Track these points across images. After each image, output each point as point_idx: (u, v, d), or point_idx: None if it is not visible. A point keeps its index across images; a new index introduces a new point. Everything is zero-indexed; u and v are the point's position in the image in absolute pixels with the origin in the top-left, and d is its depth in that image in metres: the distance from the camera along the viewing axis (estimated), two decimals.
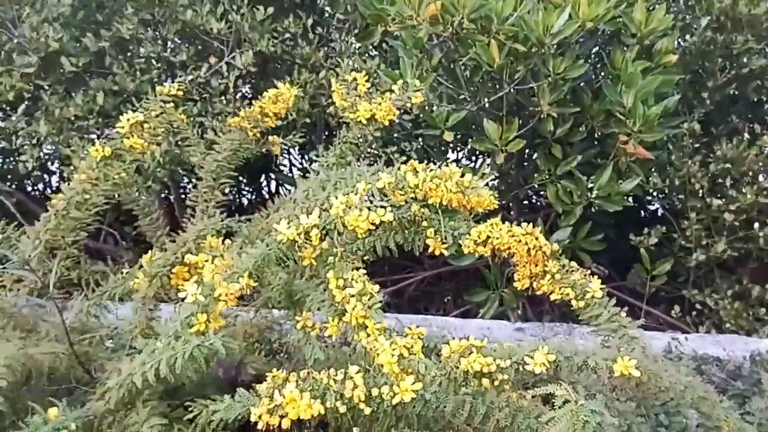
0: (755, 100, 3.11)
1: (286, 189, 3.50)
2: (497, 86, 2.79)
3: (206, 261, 1.29)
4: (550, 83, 2.52)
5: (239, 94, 2.84)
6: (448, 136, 2.72)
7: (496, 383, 1.23)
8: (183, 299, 1.19)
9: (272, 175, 3.64)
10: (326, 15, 3.10)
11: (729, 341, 2.48)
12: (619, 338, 1.31)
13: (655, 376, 1.29)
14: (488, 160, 3.02)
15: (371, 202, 1.27)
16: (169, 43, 2.77)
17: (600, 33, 2.85)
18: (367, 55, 2.88)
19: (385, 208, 1.28)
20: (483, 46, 2.49)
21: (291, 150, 3.44)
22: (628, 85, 2.43)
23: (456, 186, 1.32)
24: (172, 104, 1.60)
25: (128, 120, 1.52)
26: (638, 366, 1.24)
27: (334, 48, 3.04)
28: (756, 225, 2.85)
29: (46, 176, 3.38)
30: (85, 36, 2.65)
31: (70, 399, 1.28)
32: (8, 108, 2.77)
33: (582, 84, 2.74)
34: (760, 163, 2.88)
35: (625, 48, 2.67)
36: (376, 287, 1.24)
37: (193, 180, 3.21)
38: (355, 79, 1.87)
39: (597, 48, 2.93)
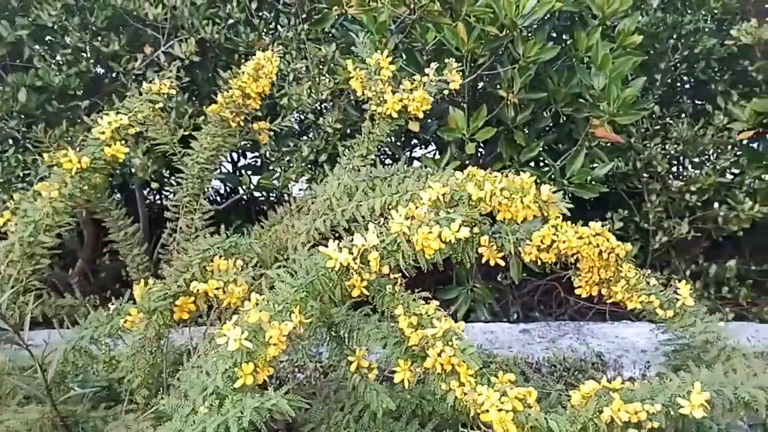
0: (704, 80, 3.13)
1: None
2: (462, 72, 2.66)
3: (217, 288, 1.07)
4: (521, 67, 2.41)
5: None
6: (415, 126, 2.56)
7: None
8: (222, 345, 0.97)
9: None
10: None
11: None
12: (719, 350, 1.19)
13: None
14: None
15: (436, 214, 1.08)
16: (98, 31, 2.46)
17: (557, 16, 2.78)
18: (322, 40, 2.68)
19: (457, 222, 1.07)
20: (450, 30, 2.35)
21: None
22: (600, 68, 2.35)
23: (533, 200, 1.14)
24: (160, 104, 1.35)
25: (110, 124, 1.25)
26: None
27: (279, 35, 2.82)
28: (716, 204, 2.86)
29: None
30: None
31: None
32: None
33: (547, 68, 2.66)
34: (716, 144, 2.90)
35: (586, 30, 2.60)
36: (462, 324, 1.05)
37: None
38: (378, 63, 1.63)
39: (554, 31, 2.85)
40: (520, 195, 1.12)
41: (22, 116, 2.29)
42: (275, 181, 2.75)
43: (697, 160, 3.02)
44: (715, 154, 2.95)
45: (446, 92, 2.76)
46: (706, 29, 2.96)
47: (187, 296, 1.16)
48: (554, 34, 2.83)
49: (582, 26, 2.62)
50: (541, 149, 2.71)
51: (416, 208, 1.09)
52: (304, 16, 2.83)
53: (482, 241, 1.22)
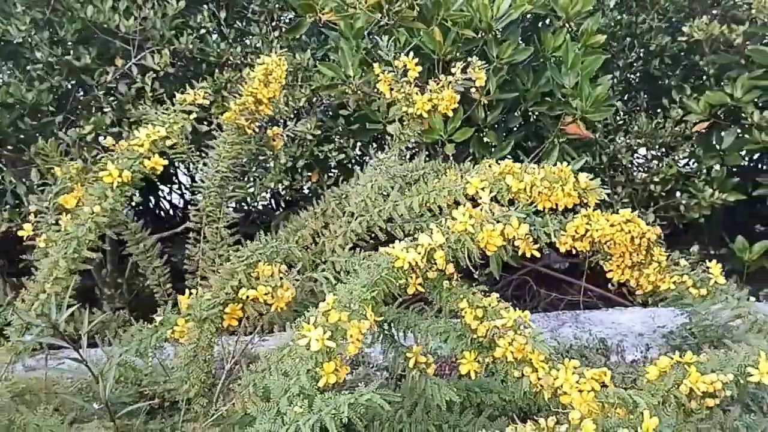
0: (658, 75, 3.28)
1: None
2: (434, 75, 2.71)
3: (266, 294, 1.08)
4: (496, 68, 2.48)
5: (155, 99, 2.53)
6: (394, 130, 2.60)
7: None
8: (303, 347, 0.98)
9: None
10: (238, 7, 2.85)
11: None
12: (751, 323, 1.26)
13: None
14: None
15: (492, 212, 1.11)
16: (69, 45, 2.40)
17: (523, 18, 2.87)
18: (295, 48, 2.69)
19: (515, 219, 1.11)
20: (427, 34, 2.40)
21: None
22: (572, 67, 2.44)
23: (573, 189, 1.19)
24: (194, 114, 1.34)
25: (148, 136, 1.24)
26: None
27: (248, 43, 2.81)
28: (678, 194, 3.01)
29: None
30: None
31: None
32: None
33: (516, 68, 2.74)
34: (675, 136, 3.04)
35: (551, 31, 2.70)
36: (527, 314, 1.09)
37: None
38: (405, 65, 1.65)
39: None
40: (561, 184, 1.18)
41: None
42: (251, 189, 2.75)
43: (655, 152, 3.16)
44: (673, 146, 3.09)
45: None
46: (659, 27, 3.11)
47: (236, 303, 1.17)
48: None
49: (544, 28, 2.72)
50: (511, 148, 2.79)
51: (470, 206, 1.13)
52: (274, 24, 2.84)
53: (519, 233, 1.27)
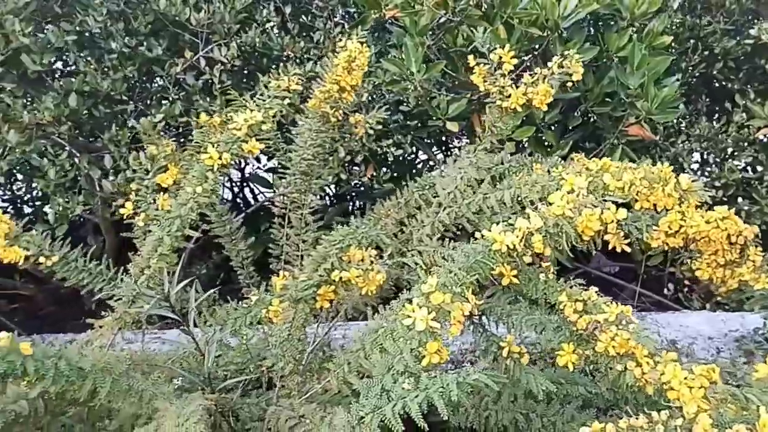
0: (720, 79, 3.22)
1: None
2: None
3: (358, 277, 1.11)
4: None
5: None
6: (453, 126, 2.61)
7: None
8: (406, 326, 1.00)
9: None
10: (302, 3, 2.90)
11: None
12: None
13: None
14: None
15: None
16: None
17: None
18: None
19: (616, 204, 1.12)
20: (494, 32, 2.40)
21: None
22: (638, 67, 2.42)
23: (674, 190, 1.19)
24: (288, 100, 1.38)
25: (245, 120, 1.28)
26: None
27: (311, 38, 2.85)
28: (739, 200, 2.96)
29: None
30: (44, 30, 2.32)
31: None
32: None
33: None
34: (737, 141, 2.99)
35: (614, 30, 2.68)
36: (629, 308, 1.10)
37: None
38: (500, 57, 1.66)
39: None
40: (662, 184, 1.17)
41: (70, 122, 2.30)
42: None
43: (717, 156, 3.11)
44: (735, 151, 3.04)
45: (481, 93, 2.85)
46: (724, 30, 3.06)
47: (329, 285, 1.20)
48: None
49: (611, 27, 2.70)
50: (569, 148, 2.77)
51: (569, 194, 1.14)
52: (336, 19, 2.88)
53: (610, 227, 1.27)
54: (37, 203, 3.29)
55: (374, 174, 2.86)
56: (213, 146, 1.30)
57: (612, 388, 1.15)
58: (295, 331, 1.19)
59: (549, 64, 1.76)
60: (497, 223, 1.09)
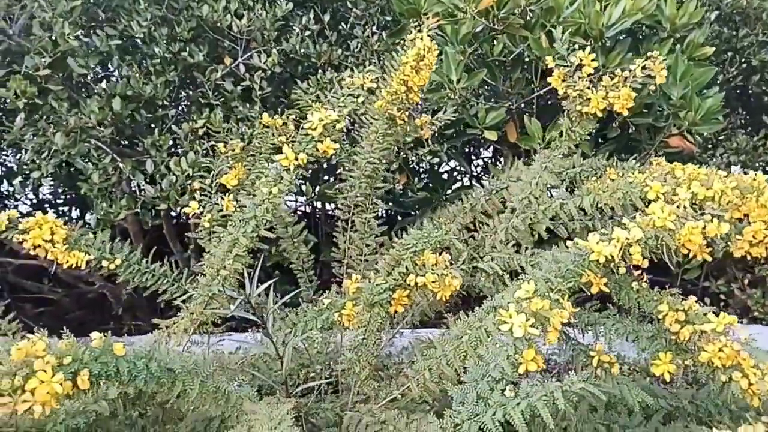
0: (758, 92, 3.20)
1: None
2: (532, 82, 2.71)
3: (434, 282, 1.09)
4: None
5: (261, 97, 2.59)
6: (492, 135, 2.60)
7: None
8: (507, 332, 0.99)
9: None
10: (341, 11, 2.91)
11: None
12: None
13: None
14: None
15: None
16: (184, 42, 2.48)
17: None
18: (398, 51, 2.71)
19: (718, 217, 1.09)
20: (535, 40, 2.40)
21: None
22: (681, 78, 2.41)
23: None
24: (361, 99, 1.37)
25: (321, 120, 1.27)
26: None
27: (349, 45, 2.86)
28: None
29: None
30: (89, 35, 2.33)
31: None
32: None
33: None
34: None
35: (654, 41, 2.66)
36: (734, 318, 1.08)
37: None
38: (580, 60, 1.63)
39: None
40: (756, 194, 1.15)
41: (113, 126, 2.31)
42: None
43: (754, 170, 3.08)
44: None
45: (517, 103, 2.84)
46: (762, 42, 3.04)
47: (404, 289, 1.18)
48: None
49: (650, 38, 2.68)
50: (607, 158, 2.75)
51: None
52: (374, 28, 2.88)
53: (721, 232, 1.22)
54: (64, 208, 3.31)
55: (407, 182, 2.86)
56: (288, 147, 1.29)
57: (714, 400, 1.12)
58: (371, 335, 1.17)
59: (632, 66, 1.72)
60: (568, 234, 1.07)
